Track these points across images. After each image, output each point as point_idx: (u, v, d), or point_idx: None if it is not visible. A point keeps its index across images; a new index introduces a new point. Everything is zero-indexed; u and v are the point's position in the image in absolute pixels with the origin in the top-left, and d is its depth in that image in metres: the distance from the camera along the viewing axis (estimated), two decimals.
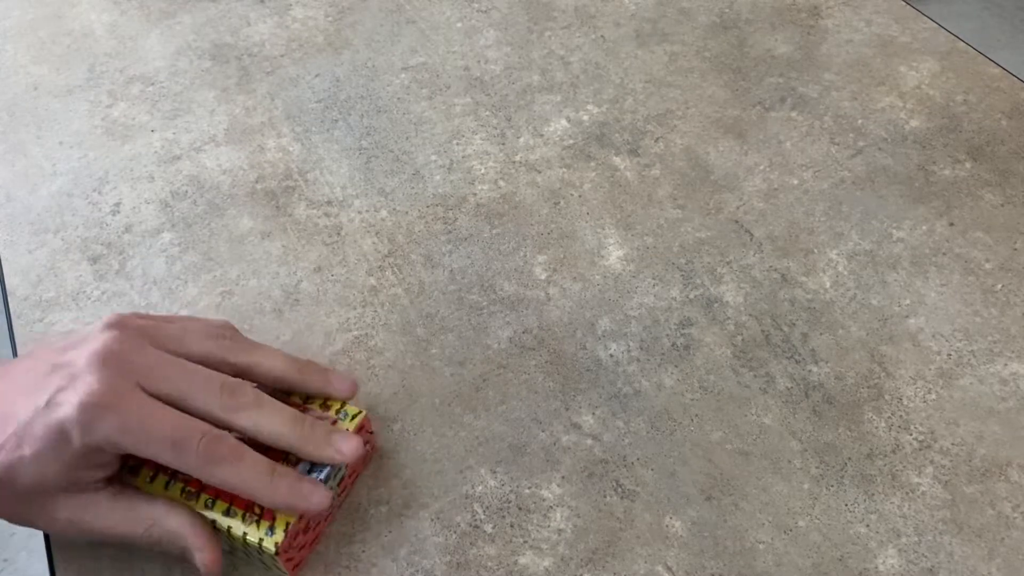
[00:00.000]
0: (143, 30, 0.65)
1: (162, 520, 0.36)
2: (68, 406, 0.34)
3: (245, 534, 0.36)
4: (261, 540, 0.36)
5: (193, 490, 0.37)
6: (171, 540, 0.36)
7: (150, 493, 0.37)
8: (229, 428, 0.37)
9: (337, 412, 0.40)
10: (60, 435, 0.34)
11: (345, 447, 0.38)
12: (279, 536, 0.36)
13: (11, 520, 0.37)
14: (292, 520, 0.36)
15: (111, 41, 0.64)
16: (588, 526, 0.40)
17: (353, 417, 0.40)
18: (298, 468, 0.38)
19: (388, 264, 0.50)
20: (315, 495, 0.37)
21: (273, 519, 0.36)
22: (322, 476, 0.38)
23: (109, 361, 0.36)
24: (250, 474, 0.36)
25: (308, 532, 0.38)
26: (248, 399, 0.38)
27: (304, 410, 0.40)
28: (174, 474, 0.38)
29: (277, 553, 0.36)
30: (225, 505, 0.37)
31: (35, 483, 0.35)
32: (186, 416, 0.36)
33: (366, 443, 0.41)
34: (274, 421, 0.38)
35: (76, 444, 0.34)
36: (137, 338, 0.37)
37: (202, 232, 0.52)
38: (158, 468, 0.38)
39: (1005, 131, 0.55)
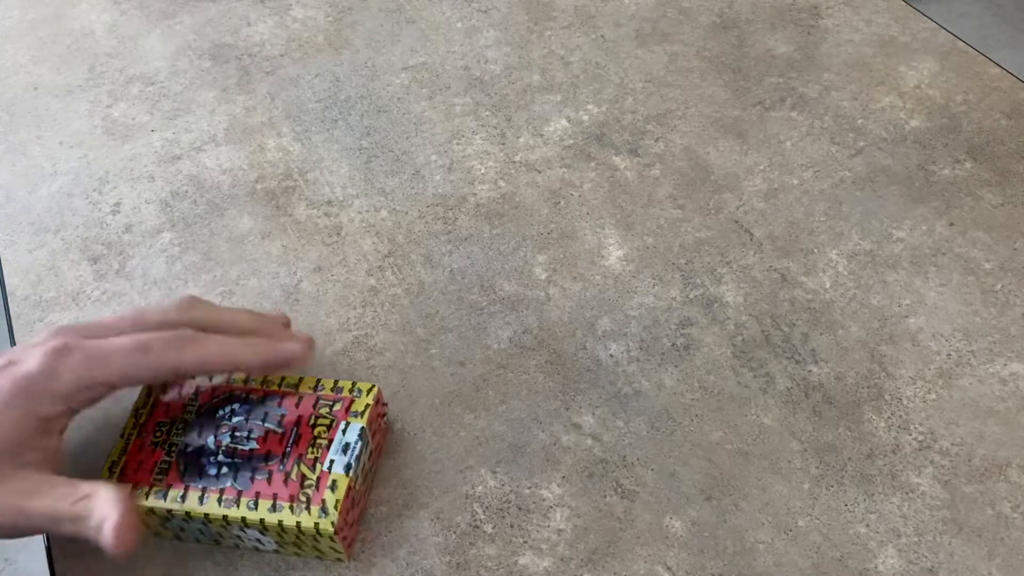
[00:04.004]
0: (143, 30, 0.65)
1: (95, 492, 0.35)
2: (31, 360, 0.35)
3: (299, 523, 0.36)
4: (317, 524, 0.36)
5: (231, 497, 0.37)
6: (91, 512, 0.35)
7: (187, 512, 0.37)
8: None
9: (351, 391, 0.40)
10: (24, 389, 0.34)
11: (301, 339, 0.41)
12: (333, 516, 0.36)
13: None
14: (340, 498, 0.37)
15: (111, 41, 0.64)
16: (588, 526, 0.40)
17: (368, 391, 0.40)
18: (329, 451, 0.38)
19: (388, 264, 0.50)
20: (290, 344, 0.39)
21: (321, 503, 0.37)
22: (356, 452, 0.38)
23: (58, 335, 0.37)
24: (222, 345, 0.37)
25: (354, 508, 0.39)
26: (201, 303, 0.40)
27: (315, 396, 0.40)
28: (205, 488, 0.38)
29: (336, 532, 0.36)
30: (269, 502, 0.37)
31: None
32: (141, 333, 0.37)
33: (382, 416, 0.42)
34: (229, 312, 0.40)
35: (43, 397, 0.34)
36: (80, 327, 0.38)
37: (202, 232, 0.52)
38: (188, 487, 0.38)
39: (1005, 131, 0.55)
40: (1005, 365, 0.44)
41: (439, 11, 0.65)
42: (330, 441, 0.39)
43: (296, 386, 0.41)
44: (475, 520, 0.40)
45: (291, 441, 0.39)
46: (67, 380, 0.35)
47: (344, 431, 0.39)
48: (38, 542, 0.40)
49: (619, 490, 0.41)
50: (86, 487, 0.36)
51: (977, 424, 0.42)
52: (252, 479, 0.38)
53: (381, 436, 0.42)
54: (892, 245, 0.50)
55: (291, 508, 0.37)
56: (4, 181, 0.55)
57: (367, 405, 0.40)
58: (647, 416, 0.43)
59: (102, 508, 0.35)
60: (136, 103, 0.59)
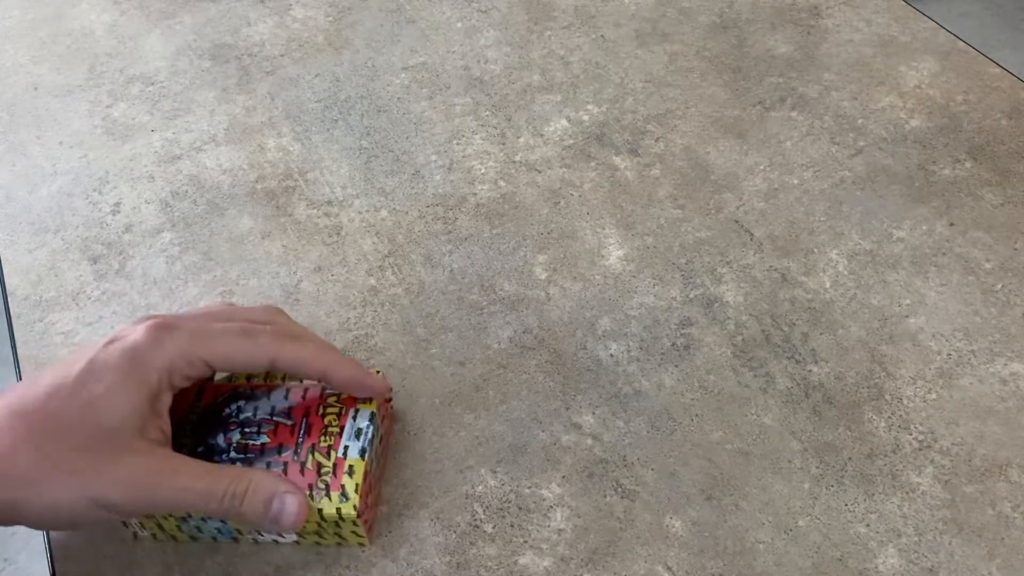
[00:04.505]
0: (143, 30, 0.65)
1: (245, 474, 0.36)
2: (135, 335, 0.35)
3: (320, 510, 0.37)
4: (339, 509, 0.37)
5: None
6: (256, 492, 0.35)
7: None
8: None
9: None
10: (134, 360, 0.34)
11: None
12: (355, 500, 0.37)
13: (63, 486, 0.33)
14: (359, 482, 0.37)
15: (111, 41, 0.64)
16: (588, 526, 0.40)
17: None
18: (342, 438, 0.39)
19: (388, 264, 0.50)
20: (378, 378, 0.40)
21: (341, 488, 0.37)
22: (369, 436, 0.39)
23: (154, 317, 0.37)
24: (319, 350, 0.38)
25: (371, 492, 0.39)
26: (285, 315, 0.41)
27: (320, 386, 0.41)
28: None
29: (358, 515, 0.37)
30: None
31: (110, 424, 0.34)
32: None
33: (388, 401, 0.42)
34: (309, 332, 0.41)
35: (150, 367, 0.34)
36: (171, 314, 0.39)
37: (202, 232, 0.52)
38: None
39: (1005, 131, 0.55)
40: (1005, 365, 0.44)
41: (439, 11, 0.65)
42: (341, 428, 0.39)
43: (300, 378, 0.41)
44: (475, 520, 0.40)
45: (302, 432, 0.39)
46: (170, 353, 0.35)
47: (354, 417, 0.39)
48: (38, 542, 0.39)
49: (619, 490, 0.41)
50: (229, 468, 0.37)
51: (977, 424, 0.42)
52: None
53: (389, 421, 0.42)
54: (892, 245, 0.50)
55: (311, 496, 0.37)
56: (4, 181, 0.55)
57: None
58: (647, 416, 0.43)
59: (270, 486, 0.36)
60: (136, 103, 0.59)
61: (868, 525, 0.39)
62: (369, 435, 0.39)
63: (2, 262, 0.51)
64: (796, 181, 0.53)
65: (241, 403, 0.40)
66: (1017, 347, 0.45)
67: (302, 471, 0.38)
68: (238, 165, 0.55)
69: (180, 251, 0.51)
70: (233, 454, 0.38)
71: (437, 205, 0.53)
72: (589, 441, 0.42)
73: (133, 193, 0.54)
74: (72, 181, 0.55)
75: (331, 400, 0.40)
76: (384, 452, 0.42)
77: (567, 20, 0.64)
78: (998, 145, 0.54)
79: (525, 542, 0.39)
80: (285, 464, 0.38)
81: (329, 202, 0.53)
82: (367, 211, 0.52)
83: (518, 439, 0.43)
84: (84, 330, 0.48)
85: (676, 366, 0.45)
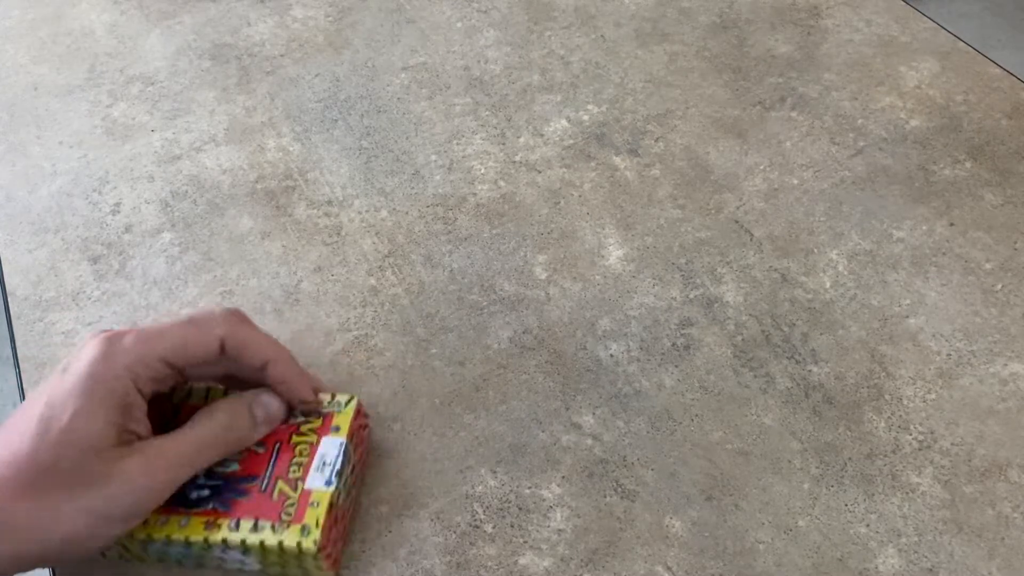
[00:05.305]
0: (143, 30, 0.65)
1: (214, 411, 0.37)
2: (85, 354, 0.35)
3: (281, 542, 0.36)
4: (299, 543, 0.36)
5: (212, 519, 0.37)
6: (237, 415, 0.37)
7: (167, 536, 0.36)
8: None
9: (330, 403, 0.40)
10: (91, 379, 0.34)
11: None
12: (316, 534, 0.36)
13: (73, 519, 0.34)
14: (321, 515, 0.36)
15: (111, 41, 0.64)
16: (588, 526, 0.40)
17: (347, 403, 0.40)
18: (310, 468, 0.38)
19: (388, 264, 0.50)
20: (307, 390, 0.40)
21: (302, 520, 0.36)
22: (337, 468, 0.38)
23: (103, 332, 0.37)
24: (268, 338, 0.39)
25: (338, 524, 0.38)
26: (246, 316, 0.40)
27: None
28: (187, 513, 0.37)
29: (319, 550, 0.36)
30: (251, 521, 0.36)
31: (87, 448, 0.33)
32: None
33: (364, 428, 0.41)
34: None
35: (109, 378, 0.34)
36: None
37: (202, 232, 0.52)
38: (169, 511, 0.37)
39: (1005, 131, 0.55)
40: (1005, 365, 0.44)
41: (439, 11, 0.65)
42: (311, 458, 0.38)
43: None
44: (475, 520, 0.40)
45: (272, 461, 0.38)
46: (124, 360, 0.35)
47: (325, 447, 0.38)
48: None
49: (619, 490, 0.41)
50: (201, 416, 0.37)
51: (977, 424, 0.42)
52: (234, 500, 0.37)
53: (364, 450, 0.41)
54: (892, 245, 0.50)
55: (273, 528, 0.36)
56: (4, 181, 0.55)
57: (347, 419, 0.39)
58: (647, 416, 0.43)
59: (240, 401, 0.38)
60: (136, 103, 0.59)
61: (868, 525, 0.39)
62: (337, 466, 0.38)
63: (2, 262, 0.51)
64: (796, 181, 0.53)
65: None
66: (1017, 347, 0.45)
67: (267, 501, 0.37)
68: (238, 165, 0.55)
69: (180, 251, 0.51)
70: (202, 480, 0.37)
71: (437, 205, 0.53)
72: (589, 441, 0.42)
73: (133, 193, 0.54)
74: (72, 181, 0.55)
75: (304, 429, 0.39)
76: (357, 481, 0.40)
77: (567, 20, 0.64)
78: (998, 145, 0.54)
79: (525, 542, 0.39)
80: (252, 492, 0.37)
81: (329, 202, 0.53)
82: (367, 211, 0.52)
83: (518, 439, 0.43)
84: (84, 330, 0.48)
85: (676, 366, 0.45)
